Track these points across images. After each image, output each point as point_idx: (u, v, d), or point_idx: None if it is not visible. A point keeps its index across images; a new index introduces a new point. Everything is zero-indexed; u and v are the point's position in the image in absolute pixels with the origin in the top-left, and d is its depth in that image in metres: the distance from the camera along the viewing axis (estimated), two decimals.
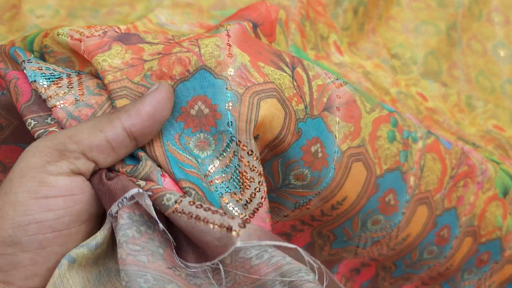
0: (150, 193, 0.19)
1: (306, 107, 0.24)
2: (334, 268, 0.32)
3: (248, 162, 0.21)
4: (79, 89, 0.22)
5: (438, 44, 0.49)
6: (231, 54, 0.22)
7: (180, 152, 0.21)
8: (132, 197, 0.19)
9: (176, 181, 0.20)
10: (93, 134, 0.19)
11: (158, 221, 0.19)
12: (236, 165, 0.21)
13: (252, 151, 0.22)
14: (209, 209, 0.18)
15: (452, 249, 0.32)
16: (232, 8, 0.44)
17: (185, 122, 0.21)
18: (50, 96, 0.22)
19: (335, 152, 0.25)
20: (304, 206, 0.26)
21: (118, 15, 0.44)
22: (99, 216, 0.20)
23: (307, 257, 0.18)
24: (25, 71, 0.22)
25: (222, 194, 0.21)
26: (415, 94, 0.44)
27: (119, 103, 0.21)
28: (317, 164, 0.24)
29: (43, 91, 0.22)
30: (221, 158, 0.21)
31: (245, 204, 0.21)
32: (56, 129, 0.21)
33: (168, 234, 0.19)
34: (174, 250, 0.19)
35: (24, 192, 0.18)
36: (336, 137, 0.25)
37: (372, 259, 0.31)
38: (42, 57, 0.25)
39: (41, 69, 0.22)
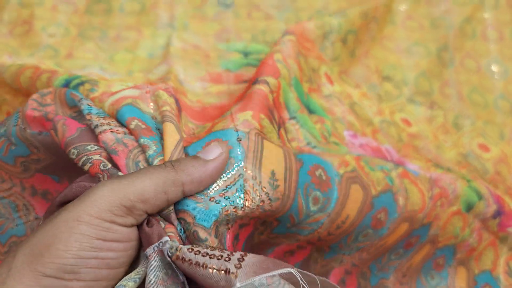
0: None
1: (294, 149, 0.29)
2: None
3: (253, 184, 0.24)
4: (127, 129, 0.26)
5: (428, 66, 0.51)
6: (234, 119, 0.27)
7: None
8: (165, 243, 0.21)
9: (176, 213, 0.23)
10: (159, 195, 0.21)
11: (178, 272, 0.21)
12: (241, 184, 0.24)
13: (256, 176, 0.24)
14: (207, 254, 0.20)
15: (413, 251, 0.36)
16: (235, 38, 0.47)
17: None
18: (103, 123, 0.25)
19: (335, 175, 0.29)
20: (317, 231, 0.29)
21: (126, 42, 0.47)
22: None
23: (301, 281, 0.20)
24: (82, 106, 0.26)
25: (224, 206, 0.23)
26: (399, 121, 0.46)
27: (166, 124, 0.26)
28: (323, 185, 0.28)
29: (96, 119, 0.25)
30: (226, 178, 0.24)
31: (241, 217, 0.24)
32: (99, 158, 0.24)
33: (186, 284, 0.21)
34: None
35: (92, 234, 0.20)
36: (332, 164, 0.29)
37: (353, 265, 0.35)
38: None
39: (96, 106, 0.26)
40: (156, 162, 0.24)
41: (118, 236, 0.21)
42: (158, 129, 0.26)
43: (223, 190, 0.24)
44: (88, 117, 0.25)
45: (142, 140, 0.25)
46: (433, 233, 0.36)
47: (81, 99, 0.26)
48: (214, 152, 0.23)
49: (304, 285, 0.20)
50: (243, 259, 0.20)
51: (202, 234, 0.23)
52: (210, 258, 0.20)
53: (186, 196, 0.23)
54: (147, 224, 0.22)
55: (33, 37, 0.48)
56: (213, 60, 0.43)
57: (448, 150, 0.48)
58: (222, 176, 0.24)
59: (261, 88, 0.31)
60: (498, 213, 0.39)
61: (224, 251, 0.21)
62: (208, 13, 0.50)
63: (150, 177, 0.21)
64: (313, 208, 0.28)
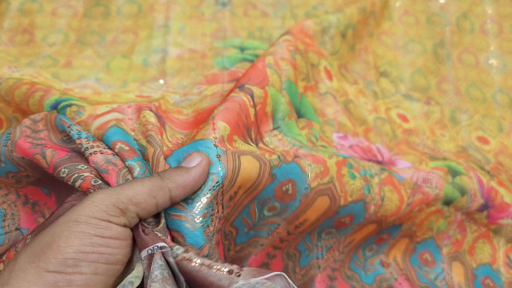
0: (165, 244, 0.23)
1: (279, 156, 0.30)
2: None
3: (222, 201, 0.26)
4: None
5: (424, 63, 0.51)
6: (215, 128, 0.28)
7: None
8: (160, 248, 0.23)
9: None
10: (148, 199, 0.23)
11: (180, 275, 0.23)
12: (214, 205, 0.26)
13: (228, 191, 0.26)
14: (212, 259, 0.23)
15: (388, 246, 0.38)
16: (232, 36, 0.47)
17: None
18: (93, 146, 0.27)
19: (305, 188, 0.30)
20: (275, 231, 0.31)
21: (123, 45, 0.48)
22: None
23: (292, 283, 0.22)
24: (71, 132, 0.27)
25: (205, 227, 0.25)
26: (395, 117, 0.46)
27: (147, 144, 0.27)
28: (286, 198, 0.30)
29: (86, 143, 0.27)
30: (208, 196, 0.25)
31: (213, 235, 0.26)
32: (90, 174, 0.25)
33: (184, 284, 0.23)
34: None
35: (91, 231, 0.21)
36: (308, 176, 0.30)
37: (333, 270, 0.36)
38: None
39: (84, 131, 0.28)
40: None
41: (114, 233, 0.22)
42: (140, 151, 0.27)
43: (204, 209, 0.25)
44: (78, 141, 0.27)
45: (127, 163, 0.26)
46: (407, 229, 0.37)
47: (70, 125, 0.28)
48: (195, 160, 0.25)
49: (294, 286, 0.23)
50: (244, 266, 0.23)
51: (194, 251, 0.25)
52: (215, 261, 0.23)
53: (174, 202, 0.25)
54: (143, 232, 0.24)
55: (33, 48, 0.48)
56: (209, 61, 0.44)
57: (447, 143, 0.48)
58: (205, 194, 0.25)
59: (243, 99, 0.31)
60: (486, 207, 0.40)
61: (225, 262, 0.23)
62: (206, 12, 0.50)
63: (140, 184, 0.24)
64: (267, 213, 0.30)
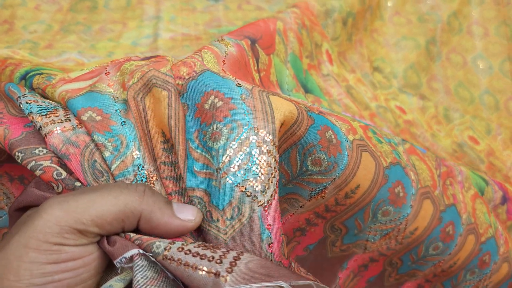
0: (139, 241, 0.20)
1: (305, 106, 0.26)
2: (344, 264, 0.32)
3: (267, 147, 0.22)
4: (77, 119, 0.23)
5: (417, 58, 0.51)
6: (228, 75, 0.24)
7: (197, 150, 0.22)
8: (132, 258, 0.20)
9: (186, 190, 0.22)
10: (115, 222, 0.20)
11: (167, 272, 0.20)
12: (254, 151, 0.22)
13: (270, 134, 0.22)
14: (198, 255, 0.19)
15: (456, 246, 0.33)
16: (227, 25, 0.46)
17: (201, 118, 0.22)
18: (47, 123, 0.23)
19: (345, 140, 0.26)
20: (319, 195, 0.27)
21: (110, 33, 0.46)
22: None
23: None
24: (21, 105, 0.23)
25: (238, 183, 0.21)
26: (394, 108, 0.46)
27: (155, 90, 0.22)
28: (332, 149, 0.25)
29: (39, 120, 0.23)
30: (236, 146, 0.22)
31: (263, 191, 0.22)
32: (50, 164, 0.22)
33: (178, 281, 0.20)
34: None
35: (43, 260, 0.18)
36: (341, 129, 0.27)
37: (380, 254, 0.32)
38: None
39: (37, 102, 0.24)
40: (114, 166, 0.22)
41: (72, 255, 0.19)
42: (120, 111, 0.24)
43: (234, 161, 0.22)
44: (30, 118, 0.23)
45: (96, 138, 0.22)
46: (468, 222, 0.34)
47: (19, 97, 0.24)
48: (187, 214, 0.21)
49: None
50: (236, 264, 0.19)
51: (215, 215, 0.22)
52: (201, 258, 0.19)
53: (137, 229, 0.21)
54: (108, 242, 0.20)
55: (13, 36, 0.45)
56: (205, 42, 0.42)
57: (444, 139, 0.47)
58: (231, 144, 0.22)
59: (250, 62, 0.28)
60: (505, 199, 0.38)
61: (217, 251, 0.20)
62: (197, 6, 0.49)
63: (112, 201, 0.20)
64: (311, 167, 0.26)
